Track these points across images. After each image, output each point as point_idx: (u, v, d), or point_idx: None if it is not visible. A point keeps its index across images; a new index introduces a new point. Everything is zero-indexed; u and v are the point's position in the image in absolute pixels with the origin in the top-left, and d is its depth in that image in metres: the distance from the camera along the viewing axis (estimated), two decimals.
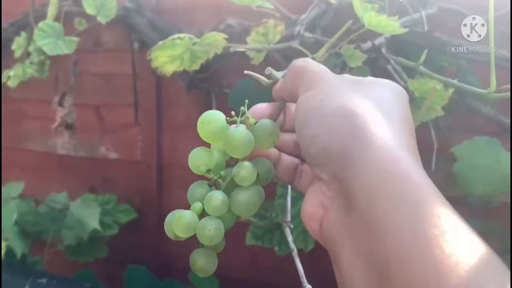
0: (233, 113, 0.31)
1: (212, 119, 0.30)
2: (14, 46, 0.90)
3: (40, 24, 0.79)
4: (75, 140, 1.03)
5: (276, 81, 0.32)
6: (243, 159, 0.30)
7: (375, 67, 0.62)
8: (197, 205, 0.29)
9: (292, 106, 0.31)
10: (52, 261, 0.92)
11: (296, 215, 0.55)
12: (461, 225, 0.21)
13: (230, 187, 0.30)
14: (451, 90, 0.56)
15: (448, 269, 0.19)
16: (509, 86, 0.44)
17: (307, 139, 0.26)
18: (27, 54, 0.87)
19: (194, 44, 0.60)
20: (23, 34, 0.89)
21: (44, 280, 0.80)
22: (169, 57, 0.60)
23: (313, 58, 0.47)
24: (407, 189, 0.21)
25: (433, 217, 0.20)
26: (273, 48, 0.62)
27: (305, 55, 0.54)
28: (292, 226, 0.50)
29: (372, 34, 0.56)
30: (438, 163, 0.62)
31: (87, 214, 0.88)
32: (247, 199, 0.29)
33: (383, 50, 0.61)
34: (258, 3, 0.58)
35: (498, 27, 0.47)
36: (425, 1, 0.66)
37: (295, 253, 0.45)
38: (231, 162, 0.32)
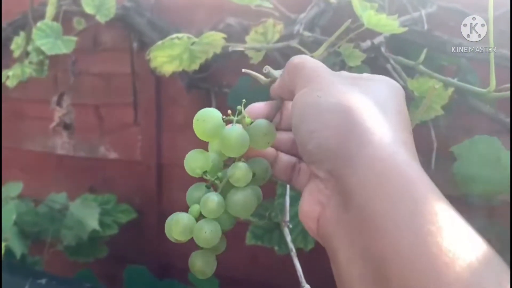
0: (229, 112, 0.30)
1: (208, 117, 0.30)
2: (13, 46, 0.89)
3: (39, 24, 0.79)
4: (75, 140, 1.02)
5: (274, 79, 0.32)
6: (240, 159, 0.30)
7: (375, 66, 0.61)
8: (195, 208, 0.29)
9: (289, 104, 0.31)
10: (51, 261, 0.92)
11: (296, 215, 0.54)
12: (458, 221, 0.20)
13: (227, 188, 0.30)
14: (451, 89, 0.56)
15: (445, 266, 0.18)
16: (509, 85, 0.44)
17: (304, 136, 0.26)
18: (26, 54, 0.87)
19: (192, 43, 0.59)
20: (22, 34, 0.88)
21: (43, 281, 0.80)
22: (167, 57, 0.60)
23: (312, 57, 0.47)
24: (403, 185, 0.21)
25: (430, 213, 0.20)
26: (272, 47, 0.61)
27: (304, 54, 0.54)
28: (291, 226, 0.50)
29: (371, 33, 0.56)
30: (438, 162, 0.62)
31: (87, 214, 0.88)
32: (243, 200, 0.29)
33: (383, 49, 0.61)
34: (257, 2, 0.58)
35: (498, 26, 0.47)
36: (424, 0, 0.66)
37: (293, 253, 0.45)
38: (229, 162, 0.31)
